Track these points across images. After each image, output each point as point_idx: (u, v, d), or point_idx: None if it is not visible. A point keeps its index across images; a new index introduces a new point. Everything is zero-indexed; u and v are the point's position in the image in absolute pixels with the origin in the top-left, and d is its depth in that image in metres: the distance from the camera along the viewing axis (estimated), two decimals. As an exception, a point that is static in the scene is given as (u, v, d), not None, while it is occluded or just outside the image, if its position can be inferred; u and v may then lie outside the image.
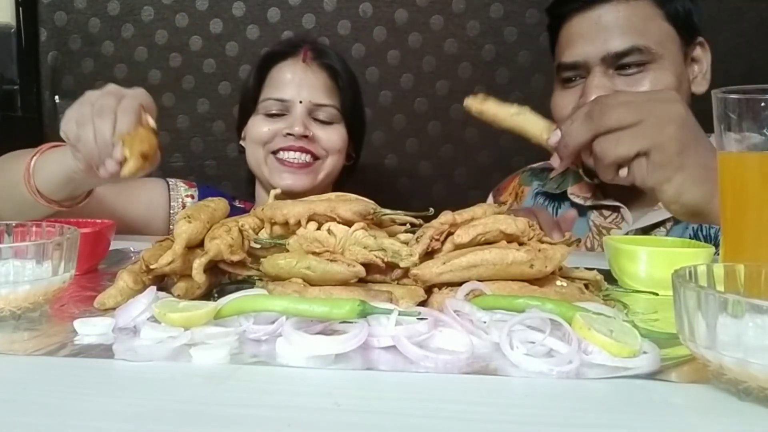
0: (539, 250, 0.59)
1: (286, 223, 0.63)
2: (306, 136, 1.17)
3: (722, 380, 0.42)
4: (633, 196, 1.13)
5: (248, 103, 1.23)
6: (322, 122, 1.21)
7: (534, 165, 1.31)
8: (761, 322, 0.39)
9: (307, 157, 1.18)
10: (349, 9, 1.59)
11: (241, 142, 1.29)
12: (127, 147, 0.75)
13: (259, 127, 1.20)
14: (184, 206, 1.20)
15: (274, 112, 1.19)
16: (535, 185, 1.27)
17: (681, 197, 0.72)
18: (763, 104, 0.57)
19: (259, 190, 1.30)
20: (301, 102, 1.18)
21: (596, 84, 1.02)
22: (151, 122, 0.70)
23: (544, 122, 0.81)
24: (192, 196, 1.24)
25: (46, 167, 0.89)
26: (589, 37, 1.04)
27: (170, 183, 1.24)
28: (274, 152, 1.18)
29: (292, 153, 1.17)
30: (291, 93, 1.18)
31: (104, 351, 0.48)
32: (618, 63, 1.03)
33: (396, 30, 1.59)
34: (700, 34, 1.09)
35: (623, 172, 0.75)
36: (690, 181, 0.72)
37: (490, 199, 1.35)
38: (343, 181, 1.30)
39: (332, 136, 1.20)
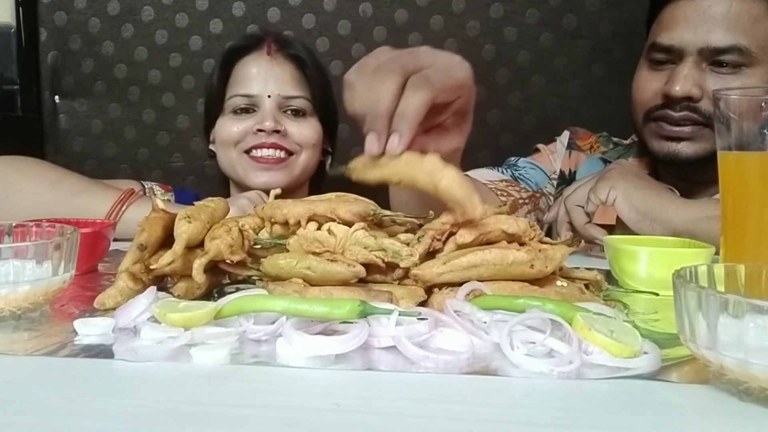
0: (540, 250, 0.59)
1: (285, 223, 0.63)
2: (278, 131, 1.13)
3: (723, 381, 0.41)
4: (685, 189, 1.11)
5: (214, 104, 1.19)
6: (294, 116, 1.17)
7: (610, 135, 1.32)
8: (762, 323, 0.39)
9: (281, 153, 1.15)
10: (349, 9, 1.59)
11: (211, 146, 1.25)
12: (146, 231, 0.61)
13: (228, 128, 1.16)
14: None
15: (242, 108, 1.16)
16: (599, 153, 1.28)
17: (630, 199, 0.91)
18: (763, 104, 0.57)
19: (233, 192, 1.26)
20: (269, 96, 1.14)
21: (686, 74, 1.01)
22: (161, 204, 0.64)
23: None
24: (168, 200, 1.22)
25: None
26: (693, 24, 1.01)
27: (146, 186, 1.23)
28: (247, 151, 1.15)
29: (265, 150, 1.14)
30: (258, 88, 1.15)
31: (104, 351, 0.48)
32: (714, 59, 1.01)
33: (396, 30, 1.59)
34: None
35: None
36: (632, 186, 0.93)
37: (566, 135, 1.34)
38: (320, 177, 1.27)
39: (305, 131, 1.17)
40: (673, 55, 1.04)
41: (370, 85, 0.59)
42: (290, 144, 1.16)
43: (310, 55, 1.24)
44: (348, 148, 1.57)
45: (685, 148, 1.05)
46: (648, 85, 1.08)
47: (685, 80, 1.01)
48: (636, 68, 1.15)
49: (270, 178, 1.14)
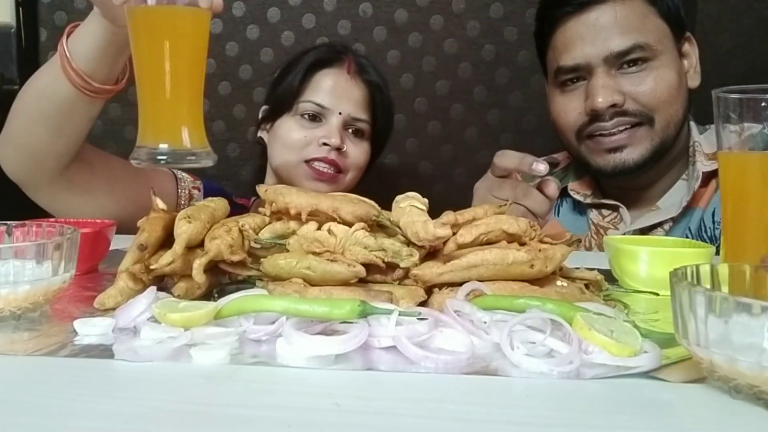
0: (540, 250, 0.59)
1: (286, 211, 0.63)
2: (339, 149, 1.18)
3: (715, 378, 0.42)
4: (632, 196, 1.14)
5: (285, 101, 1.23)
6: (354, 136, 1.23)
7: None
8: (748, 320, 0.39)
9: (335, 170, 1.20)
10: (349, 9, 1.59)
11: (261, 133, 1.29)
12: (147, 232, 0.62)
13: (294, 133, 1.20)
14: (191, 197, 1.21)
15: (310, 114, 1.20)
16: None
17: None
18: (763, 104, 0.57)
19: (269, 181, 1.30)
20: (340, 113, 1.19)
21: (602, 84, 1.02)
22: (161, 204, 0.66)
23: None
24: (198, 188, 1.24)
25: (81, 41, 0.85)
26: (589, 38, 1.03)
27: (177, 174, 1.24)
28: (308, 161, 1.19)
29: (323, 164, 1.19)
30: (332, 102, 1.20)
31: (104, 351, 0.48)
32: (620, 62, 1.02)
33: (396, 30, 1.59)
34: (686, 29, 1.10)
35: None
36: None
37: None
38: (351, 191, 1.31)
39: (359, 153, 1.23)
40: (581, 72, 1.06)
41: None
42: (344, 163, 1.21)
43: (383, 81, 1.29)
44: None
45: (629, 155, 1.05)
46: (568, 107, 1.09)
47: (603, 90, 1.02)
48: (548, 98, 1.16)
49: (319, 190, 1.17)
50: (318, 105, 1.20)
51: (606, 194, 1.17)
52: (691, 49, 1.10)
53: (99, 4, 0.78)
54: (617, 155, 1.05)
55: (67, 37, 0.86)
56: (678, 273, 0.45)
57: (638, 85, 1.02)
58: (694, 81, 1.10)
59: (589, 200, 1.17)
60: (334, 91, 1.20)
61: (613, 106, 1.02)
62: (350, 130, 1.22)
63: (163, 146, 0.67)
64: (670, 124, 1.04)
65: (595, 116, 1.04)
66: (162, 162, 0.67)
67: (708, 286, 0.47)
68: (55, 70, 0.86)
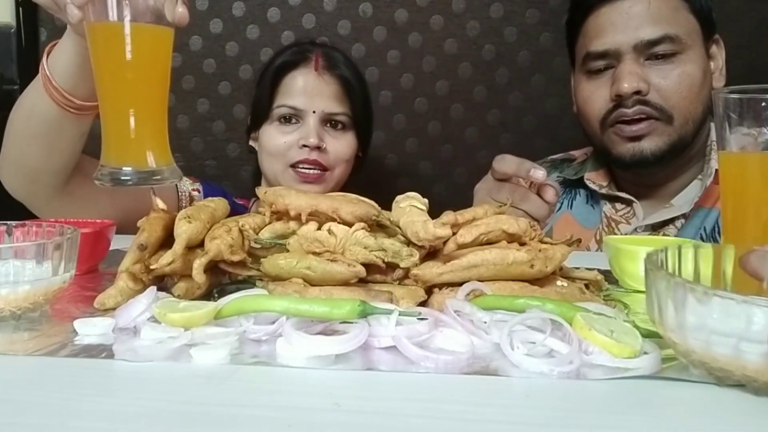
0: (540, 250, 0.59)
1: (286, 213, 0.63)
2: (319, 148, 1.19)
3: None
4: (647, 193, 1.14)
5: (262, 110, 1.24)
6: (335, 129, 1.23)
7: (554, 156, 1.32)
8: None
9: (319, 170, 1.21)
10: (349, 9, 1.59)
11: (252, 143, 1.30)
12: (147, 232, 0.61)
13: (274, 139, 1.21)
14: (191, 200, 1.21)
15: (286, 117, 1.21)
16: (554, 176, 1.27)
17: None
18: (763, 104, 0.57)
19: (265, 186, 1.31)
20: (314, 112, 1.20)
21: (629, 70, 1.04)
22: (161, 204, 0.66)
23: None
24: (198, 191, 1.24)
25: (59, 59, 0.85)
26: (620, 25, 1.05)
27: None
28: (293, 165, 1.20)
29: (307, 165, 1.20)
30: (304, 102, 1.20)
31: (104, 351, 0.48)
32: (649, 51, 1.04)
33: (396, 30, 1.59)
34: (715, 30, 1.11)
35: None
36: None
37: None
38: (352, 177, 1.32)
39: (342, 147, 1.23)
40: (610, 59, 1.07)
41: None
42: (327, 161, 1.21)
43: (355, 69, 1.28)
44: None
45: (647, 144, 1.06)
46: (595, 93, 1.10)
47: (630, 76, 1.04)
48: (574, 87, 1.17)
49: (309, 191, 1.18)
50: (291, 108, 1.20)
51: (621, 189, 1.17)
52: (719, 51, 1.11)
53: (65, 20, 0.77)
54: (636, 144, 1.07)
55: (47, 56, 0.86)
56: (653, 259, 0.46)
57: (664, 77, 1.04)
58: (718, 82, 1.11)
59: (604, 191, 1.18)
60: (305, 91, 1.20)
61: (638, 93, 1.04)
62: (329, 125, 1.22)
63: (127, 169, 0.66)
64: (689, 121, 1.06)
65: (619, 102, 1.06)
66: (125, 183, 0.66)
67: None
68: (39, 89, 0.86)
